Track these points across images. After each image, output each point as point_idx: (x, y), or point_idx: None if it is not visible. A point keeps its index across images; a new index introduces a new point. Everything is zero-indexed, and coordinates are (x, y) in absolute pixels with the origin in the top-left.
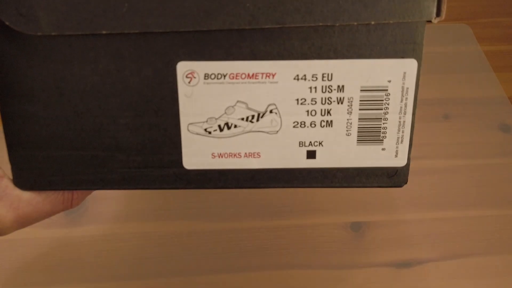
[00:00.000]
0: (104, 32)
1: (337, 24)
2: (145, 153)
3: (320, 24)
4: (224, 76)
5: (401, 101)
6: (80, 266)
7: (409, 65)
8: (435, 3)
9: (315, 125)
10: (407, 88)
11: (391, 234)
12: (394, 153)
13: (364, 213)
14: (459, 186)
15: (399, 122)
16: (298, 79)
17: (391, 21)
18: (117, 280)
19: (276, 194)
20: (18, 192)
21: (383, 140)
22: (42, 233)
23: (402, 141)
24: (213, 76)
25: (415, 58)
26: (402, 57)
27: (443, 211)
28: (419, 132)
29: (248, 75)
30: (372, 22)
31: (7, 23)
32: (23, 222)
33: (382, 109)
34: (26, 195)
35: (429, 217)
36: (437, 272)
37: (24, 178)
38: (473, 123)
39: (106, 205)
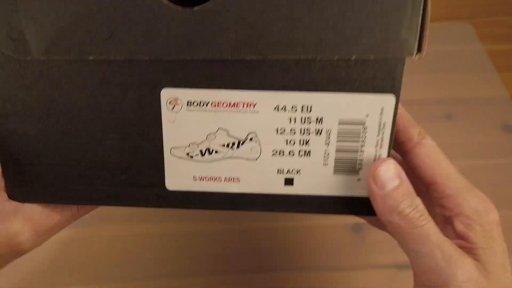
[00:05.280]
0: (90, 58)
1: (318, 58)
2: (130, 173)
3: (302, 57)
4: (206, 104)
5: (378, 135)
6: (81, 268)
7: (387, 101)
8: (417, 40)
9: (293, 154)
10: (384, 123)
11: None
12: None
13: None
14: None
15: (375, 155)
16: (278, 110)
17: (371, 57)
18: (117, 281)
19: None
20: (29, 204)
21: (358, 171)
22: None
23: None
24: (195, 104)
25: (393, 93)
26: (381, 92)
27: None
28: None
29: (230, 104)
30: (353, 57)
31: None
32: (41, 232)
33: (359, 142)
34: (37, 206)
35: None
36: None
37: (17, 192)
38: (476, 123)
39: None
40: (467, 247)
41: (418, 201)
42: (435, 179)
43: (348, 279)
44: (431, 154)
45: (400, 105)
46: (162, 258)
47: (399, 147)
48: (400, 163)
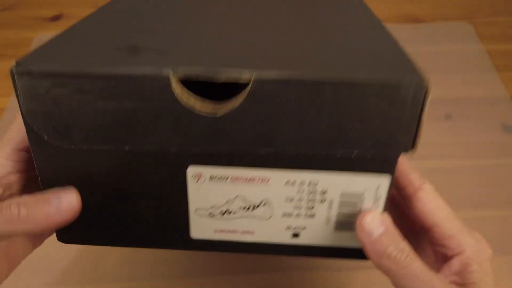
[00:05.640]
0: (126, 148)
1: (324, 153)
2: (160, 223)
3: (309, 152)
4: (227, 178)
5: (374, 204)
6: (81, 268)
7: (383, 179)
8: (412, 139)
9: (300, 216)
10: (380, 196)
11: None
12: None
13: None
14: (461, 186)
15: None
16: (288, 184)
17: (371, 153)
18: (116, 282)
19: None
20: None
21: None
22: None
23: None
24: (217, 178)
25: (389, 173)
26: (378, 173)
27: None
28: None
29: (247, 179)
30: (354, 154)
31: (45, 137)
32: (14, 265)
33: (357, 208)
34: (15, 242)
35: None
36: None
37: (66, 236)
38: (476, 123)
39: None
40: (464, 283)
41: (403, 244)
42: (437, 221)
43: (348, 279)
44: (432, 199)
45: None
46: (161, 259)
47: (401, 192)
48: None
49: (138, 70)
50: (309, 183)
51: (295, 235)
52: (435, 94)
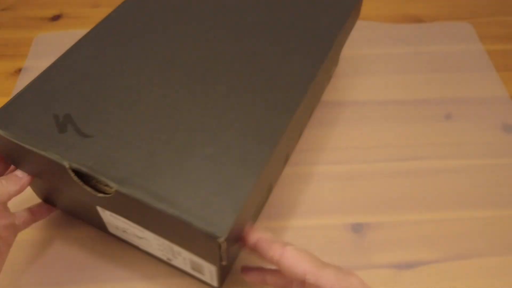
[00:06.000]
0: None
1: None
2: (95, 220)
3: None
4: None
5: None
6: (82, 268)
7: (212, 266)
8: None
9: (165, 256)
10: (212, 272)
11: (392, 235)
12: None
13: (365, 214)
14: (461, 186)
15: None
16: (156, 239)
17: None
18: (116, 282)
19: (276, 195)
20: None
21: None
22: (41, 234)
23: None
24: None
25: (214, 264)
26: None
27: (444, 212)
28: (421, 132)
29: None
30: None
31: None
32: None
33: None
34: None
35: (430, 218)
36: (438, 273)
37: None
38: (475, 123)
39: None
40: None
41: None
42: (307, 270)
43: None
44: (295, 255)
45: (262, 231)
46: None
47: (270, 261)
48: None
49: (51, 155)
50: (168, 244)
51: (169, 259)
52: (434, 94)
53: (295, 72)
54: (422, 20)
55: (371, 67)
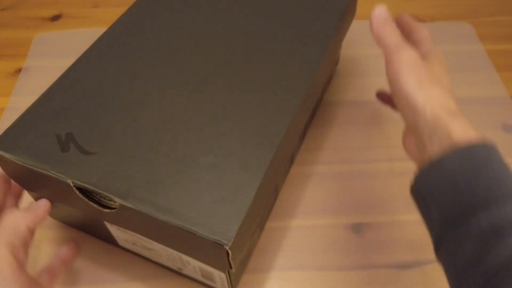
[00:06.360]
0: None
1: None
2: (104, 235)
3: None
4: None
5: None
6: (82, 269)
7: (221, 273)
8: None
9: (176, 266)
10: (223, 279)
11: (392, 235)
12: None
13: (365, 215)
14: None
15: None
16: (165, 249)
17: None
18: (115, 282)
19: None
20: None
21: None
22: (39, 234)
23: None
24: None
25: (223, 272)
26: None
27: None
28: None
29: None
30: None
31: None
32: None
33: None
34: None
35: None
36: (438, 273)
37: None
38: (475, 123)
39: None
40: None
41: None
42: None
43: (348, 279)
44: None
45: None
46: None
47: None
48: None
49: (55, 174)
50: (177, 254)
51: (179, 268)
52: None
53: (293, 74)
54: (422, 20)
55: (371, 67)
